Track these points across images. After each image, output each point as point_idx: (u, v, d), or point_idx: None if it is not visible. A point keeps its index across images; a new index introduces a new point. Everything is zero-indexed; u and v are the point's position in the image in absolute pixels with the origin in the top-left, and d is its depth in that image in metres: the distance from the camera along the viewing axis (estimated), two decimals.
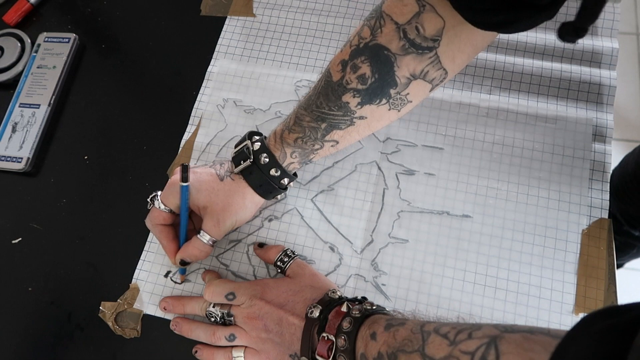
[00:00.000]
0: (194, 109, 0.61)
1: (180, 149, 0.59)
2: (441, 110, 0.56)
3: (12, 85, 0.65)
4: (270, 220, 0.54)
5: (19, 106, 0.63)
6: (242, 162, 0.48)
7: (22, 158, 0.60)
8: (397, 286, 0.50)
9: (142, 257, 0.54)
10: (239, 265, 0.53)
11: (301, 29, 0.63)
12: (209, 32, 0.64)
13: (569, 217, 0.51)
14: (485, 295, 0.49)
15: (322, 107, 0.45)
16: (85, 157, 0.61)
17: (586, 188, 0.51)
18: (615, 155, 0.53)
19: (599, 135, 0.53)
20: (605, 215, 0.50)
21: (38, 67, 0.65)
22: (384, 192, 0.54)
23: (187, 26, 0.66)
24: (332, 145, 0.48)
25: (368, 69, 0.42)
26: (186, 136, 0.59)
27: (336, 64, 0.44)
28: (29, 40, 0.67)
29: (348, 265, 0.51)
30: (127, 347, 0.51)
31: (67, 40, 0.66)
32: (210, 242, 0.49)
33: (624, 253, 0.94)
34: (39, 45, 0.66)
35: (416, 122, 0.56)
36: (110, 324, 0.52)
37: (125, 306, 0.52)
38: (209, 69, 0.62)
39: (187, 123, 0.60)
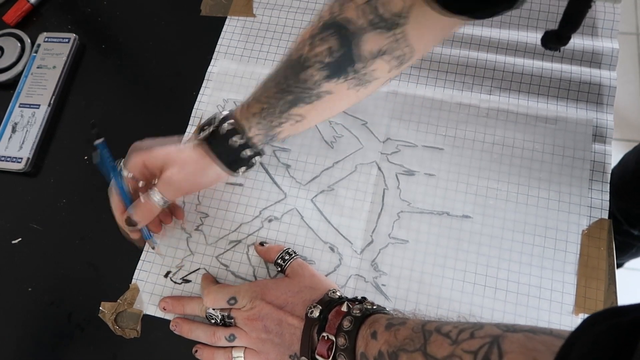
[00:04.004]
0: (194, 109, 0.60)
1: None
2: (441, 110, 0.56)
3: (12, 85, 0.65)
4: (270, 220, 0.54)
5: (19, 106, 0.63)
6: (205, 128, 0.48)
7: (22, 158, 0.60)
8: (397, 287, 0.50)
9: (142, 257, 0.54)
10: (239, 266, 0.53)
11: (301, 29, 0.63)
12: (209, 32, 0.64)
13: (569, 217, 0.51)
14: (485, 295, 0.49)
15: (289, 79, 0.45)
16: (85, 157, 0.60)
17: (586, 188, 0.51)
18: (615, 155, 0.53)
19: (599, 135, 0.53)
20: (605, 215, 0.50)
21: (38, 67, 0.65)
22: (384, 193, 0.54)
23: (187, 26, 0.66)
24: (297, 121, 0.47)
25: (335, 42, 0.42)
26: (186, 136, 0.59)
27: (305, 38, 0.44)
28: (29, 40, 0.67)
29: (348, 266, 0.51)
30: (127, 347, 0.51)
31: (67, 40, 0.66)
32: (161, 202, 0.47)
33: (624, 252, 0.94)
34: (39, 45, 0.66)
35: (416, 123, 0.56)
36: (110, 324, 0.52)
37: (125, 306, 0.52)
38: (209, 69, 0.62)
39: (187, 123, 0.60)
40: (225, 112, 0.48)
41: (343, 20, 0.42)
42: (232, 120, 0.47)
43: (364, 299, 0.46)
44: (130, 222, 0.48)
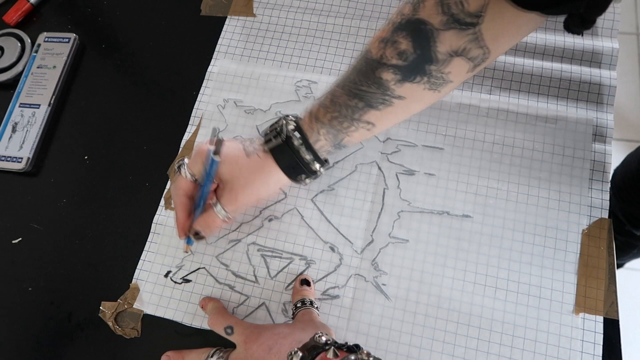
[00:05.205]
0: (194, 109, 0.61)
1: (180, 149, 0.59)
2: (441, 110, 0.56)
3: (12, 85, 0.65)
4: (270, 220, 0.54)
5: (19, 106, 0.63)
6: (273, 139, 0.46)
7: (22, 158, 0.60)
8: (397, 286, 0.50)
9: (142, 257, 0.54)
10: (239, 265, 0.53)
11: (301, 29, 0.63)
12: (209, 32, 0.64)
13: (569, 217, 0.51)
14: (485, 295, 0.49)
15: (359, 85, 0.43)
16: (85, 157, 0.61)
17: (586, 188, 0.51)
18: (615, 155, 0.53)
19: (599, 135, 0.53)
20: (606, 215, 0.50)
21: (38, 67, 0.65)
22: (384, 192, 0.54)
23: (187, 26, 0.66)
24: (367, 129, 0.46)
25: (409, 44, 0.41)
26: (186, 136, 0.59)
27: (376, 42, 0.43)
28: (29, 40, 0.67)
29: (348, 265, 0.51)
30: (127, 347, 0.51)
31: (67, 40, 0.66)
32: (226, 218, 0.48)
33: (625, 253, 0.94)
34: (39, 45, 0.67)
35: (416, 122, 0.56)
36: (110, 324, 0.52)
37: (125, 306, 0.52)
38: (209, 69, 0.62)
39: (187, 123, 0.60)
40: (291, 124, 0.46)
41: (416, 22, 0.40)
42: (299, 134, 0.45)
43: (356, 347, 0.41)
44: (197, 237, 0.49)
